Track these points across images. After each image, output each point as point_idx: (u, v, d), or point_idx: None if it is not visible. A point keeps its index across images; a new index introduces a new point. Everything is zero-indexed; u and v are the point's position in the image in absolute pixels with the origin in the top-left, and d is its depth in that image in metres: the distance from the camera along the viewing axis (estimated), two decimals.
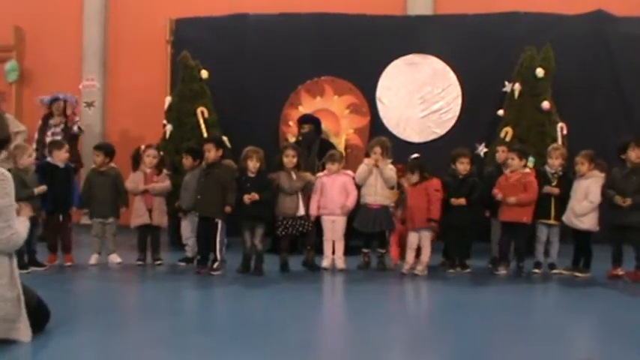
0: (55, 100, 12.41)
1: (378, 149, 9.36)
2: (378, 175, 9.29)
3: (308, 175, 9.46)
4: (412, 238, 9.04)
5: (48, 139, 11.85)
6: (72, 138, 12.01)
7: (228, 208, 8.88)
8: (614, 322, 6.66)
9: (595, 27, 11.95)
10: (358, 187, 9.37)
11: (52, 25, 14.35)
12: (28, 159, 8.91)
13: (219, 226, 8.89)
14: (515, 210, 8.94)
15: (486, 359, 5.48)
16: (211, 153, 9.02)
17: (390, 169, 9.34)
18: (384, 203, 9.31)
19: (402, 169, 9.41)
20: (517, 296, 7.94)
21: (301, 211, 9.10)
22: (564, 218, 8.96)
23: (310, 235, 9.28)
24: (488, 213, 9.46)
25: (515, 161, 9.06)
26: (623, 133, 10.89)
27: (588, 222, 8.86)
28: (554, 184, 9.03)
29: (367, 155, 9.56)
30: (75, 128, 12.25)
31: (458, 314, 6.89)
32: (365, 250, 9.51)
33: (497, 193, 9.04)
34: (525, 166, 9.16)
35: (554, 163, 9.09)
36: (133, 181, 9.62)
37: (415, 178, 9.00)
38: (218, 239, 8.87)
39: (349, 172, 9.51)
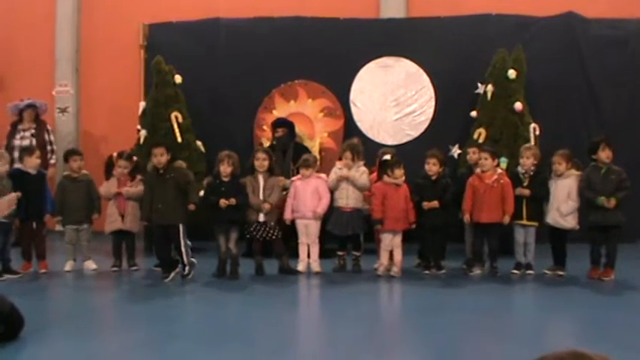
0: (29, 106, 12.36)
1: (348, 154, 9.40)
2: (352, 175, 9.32)
3: (282, 180, 9.48)
4: (388, 240, 9.07)
5: (17, 143, 11.84)
6: (42, 145, 11.95)
7: (192, 206, 8.83)
8: (590, 321, 6.73)
9: (566, 29, 12.06)
10: (331, 190, 9.40)
11: (24, 31, 14.25)
12: (3, 167, 8.88)
13: (182, 230, 8.84)
14: (497, 211, 8.98)
15: (461, 359, 5.52)
16: (163, 157, 8.84)
17: (362, 173, 9.35)
18: (357, 206, 9.34)
19: (373, 171, 9.43)
20: (492, 297, 7.98)
21: (261, 218, 9.09)
22: (549, 219, 8.99)
23: (277, 242, 9.27)
24: (467, 216, 9.20)
25: (488, 161, 9.10)
26: (595, 132, 11.02)
27: (572, 221, 8.93)
28: (525, 184, 9.08)
29: (340, 159, 9.60)
30: (49, 147, 12.28)
31: (434, 315, 6.93)
32: (340, 253, 9.52)
33: (466, 215, 9.12)
34: (497, 166, 9.23)
35: (526, 163, 9.13)
36: (107, 187, 9.59)
37: (403, 179, 9.03)
38: (183, 244, 8.81)
39: (322, 175, 9.54)
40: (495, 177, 9.06)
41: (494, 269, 9.10)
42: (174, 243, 8.81)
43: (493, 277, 8.95)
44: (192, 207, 8.83)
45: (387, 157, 9.32)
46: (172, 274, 8.79)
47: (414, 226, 9.11)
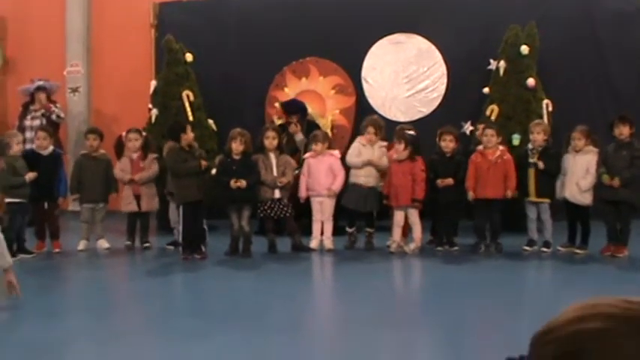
0: (39, 88, 12.36)
1: (371, 129, 9.37)
2: (371, 156, 9.30)
3: (290, 161, 9.40)
4: (398, 217, 9.05)
5: (27, 124, 11.88)
6: (53, 125, 11.95)
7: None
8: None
9: (579, 3, 11.93)
10: (346, 166, 9.38)
11: (35, 12, 14.23)
12: (18, 146, 8.94)
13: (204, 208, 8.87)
14: (501, 187, 8.94)
15: (475, 335, 5.53)
16: (192, 135, 8.98)
17: (382, 155, 9.32)
18: (374, 184, 9.31)
19: (390, 147, 9.40)
20: (505, 273, 7.99)
21: (277, 195, 9.08)
22: (567, 194, 8.92)
23: (290, 220, 9.25)
24: (471, 193, 9.09)
25: (494, 138, 9.08)
26: (608, 109, 10.95)
27: (589, 197, 8.86)
28: (534, 159, 9.02)
29: (359, 134, 9.59)
30: (54, 117, 12.20)
31: (447, 292, 6.95)
32: (350, 230, 9.49)
33: (470, 193, 9.02)
34: (502, 142, 9.19)
35: (537, 138, 9.06)
36: (122, 170, 9.58)
37: (405, 154, 8.98)
38: (205, 222, 8.86)
39: (336, 152, 9.54)
40: (498, 153, 9.04)
41: (498, 245, 9.06)
42: (200, 219, 8.81)
43: (499, 254, 8.92)
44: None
45: (412, 132, 9.25)
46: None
47: (416, 204, 9.00)
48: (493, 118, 10.47)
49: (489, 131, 9.15)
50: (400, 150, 8.99)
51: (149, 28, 12.65)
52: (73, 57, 14.01)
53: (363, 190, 9.28)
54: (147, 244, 9.59)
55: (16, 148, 8.91)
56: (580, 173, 8.83)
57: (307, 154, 9.57)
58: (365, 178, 9.29)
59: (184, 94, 11.04)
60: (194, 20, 12.30)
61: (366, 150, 9.36)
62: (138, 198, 9.53)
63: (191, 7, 12.53)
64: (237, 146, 8.89)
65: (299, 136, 10.40)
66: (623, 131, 8.67)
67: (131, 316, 6.28)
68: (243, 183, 8.73)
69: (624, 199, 8.60)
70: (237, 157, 8.91)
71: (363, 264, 8.56)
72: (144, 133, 9.82)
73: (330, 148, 9.55)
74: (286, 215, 9.14)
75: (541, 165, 8.91)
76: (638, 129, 8.98)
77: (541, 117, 10.32)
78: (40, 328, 5.63)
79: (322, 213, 9.36)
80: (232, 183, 8.72)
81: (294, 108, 10.93)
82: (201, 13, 12.43)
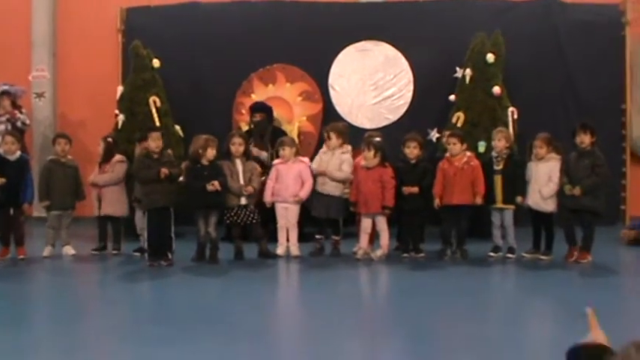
0: (4, 93, 12.23)
1: (331, 134, 9.44)
2: (333, 164, 9.34)
3: (256, 167, 9.42)
4: (365, 223, 9.09)
5: None
6: (18, 131, 11.80)
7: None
8: (565, 303, 6.79)
9: (545, 13, 12.10)
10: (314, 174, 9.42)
11: (0, 15, 14.11)
12: None
13: (172, 215, 8.83)
14: (468, 193, 9.02)
15: (441, 341, 5.56)
16: (160, 141, 8.91)
17: (344, 159, 9.37)
18: (334, 193, 9.32)
19: (358, 153, 9.43)
20: (470, 279, 8.06)
21: (243, 201, 9.08)
22: (530, 202, 9.03)
23: (256, 226, 9.26)
24: (437, 201, 9.14)
25: (457, 146, 9.15)
26: (572, 116, 11.10)
27: (552, 204, 8.97)
28: (499, 167, 9.12)
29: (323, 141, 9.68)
30: (19, 123, 12.09)
31: (412, 298, 6.98)
32: (318, 237, 9.51)
33: (436, 200, 9.09)
34: (466, 150, 9.26)
35: (498, 145, 9.19)
36: (94, 175, 9.70)
37: (375, 161, 9.01)
38: (173, 229, 8.81)
39: (305, 159, 9.56)
40: (465, 159, 9.11)
41: (464, 251, 9.15)
42: (167, 226, 8.76)
43: (464, 260, 9.00)
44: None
45: (378, 139, 9.31)
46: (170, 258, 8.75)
47: (387, 211, 9.05)
48: (459, 125, 10.57)
49: (452, 139, 9.23)
50: (370, 157, 9.01)
51: (116, 34, 12.58)
52: (38, 61, 13.88)
53: (324, 197, 9.31)
54: (116, 251, 9.57)
55: None
56: (542, 181, 8.94)
57: (276, 161, 9.58)
58: (322, 185, 9.33)
59: (151, 99, 11.00)
60: (161, 26, 12.24)
61: (325, 157, 9.42)
62: (100, 202, 9.55)
63: (159, 13, 12.48)
64: (211, 152, 8.85)
65: (262, 155, 10.36)
66: (585, 139, 8.77)
67: (96, 322, 6.24)
68: (216, 184, 8.71)
69: (586, 207, 8.71)
70: (206, 163, 8.88)
71: (329, 270, 8.58)
72: (109, 139, 9.79)
73: (297, 154, 9.57)
74: (253, 222, 9.14)
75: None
76: (601, 137, 9.11)
77: (506, 124, 10.43)
78: (4, 335, 5.57)
79: (287, 219, 9.37)
80: (209, 186, 8.67)
81: (260, 107, 10.97)
82: (168, 18, 12.37)
